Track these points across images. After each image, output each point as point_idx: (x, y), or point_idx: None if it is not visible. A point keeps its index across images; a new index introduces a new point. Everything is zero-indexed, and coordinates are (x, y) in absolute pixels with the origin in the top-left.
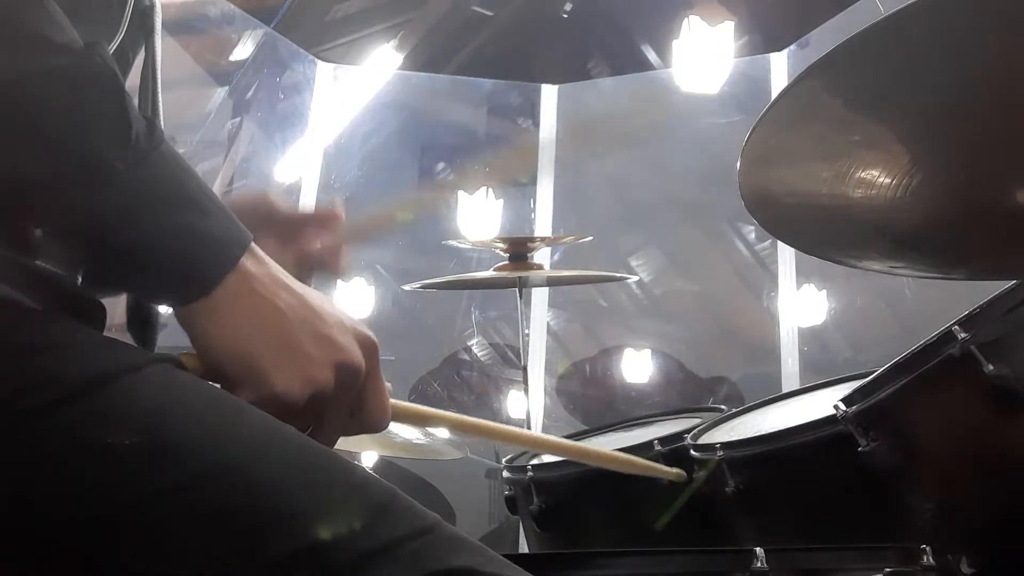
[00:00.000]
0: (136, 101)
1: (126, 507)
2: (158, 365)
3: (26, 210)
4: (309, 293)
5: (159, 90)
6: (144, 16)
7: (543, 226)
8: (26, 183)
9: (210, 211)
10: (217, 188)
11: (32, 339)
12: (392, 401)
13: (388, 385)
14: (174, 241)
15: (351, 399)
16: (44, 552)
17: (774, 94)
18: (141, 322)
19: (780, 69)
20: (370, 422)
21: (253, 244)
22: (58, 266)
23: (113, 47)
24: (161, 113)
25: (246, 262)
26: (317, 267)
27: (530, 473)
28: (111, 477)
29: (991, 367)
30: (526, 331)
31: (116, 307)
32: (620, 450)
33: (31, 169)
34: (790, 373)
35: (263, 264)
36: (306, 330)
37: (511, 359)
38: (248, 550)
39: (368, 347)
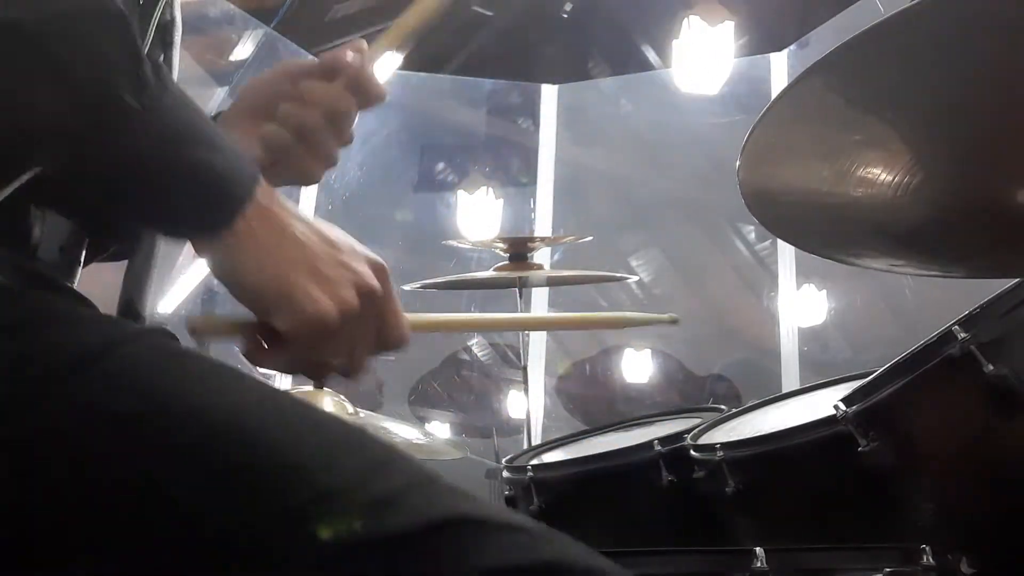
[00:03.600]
0: None
1: (137, 471)
2: (155, 336)
3: (50, 154)
4: (318, 222)
5: None
6: (165, 30)
7: (543, 226)
8: (49, 126)
9: (222, 147)
10: None
11: (33, 313)
12: (409, 316)
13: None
14: (192, 176)
15: (374, 319)
16: (58, 521)
17: (774, 94)
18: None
19: (780, 69)
20: (393, 338)
21: (262, 178)
22: (55, 267)
23: None
24: None
25: (260, 195)
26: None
27: (530, 473)
28: (119, 443)
29: (991, 367)
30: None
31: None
32: (620, 450)
33: (53, 112)
34: (790, 373)
35: (275, 196)
36: (325, 255)
37: (511, 359)
38: (261, 503)
39: (379, 269)
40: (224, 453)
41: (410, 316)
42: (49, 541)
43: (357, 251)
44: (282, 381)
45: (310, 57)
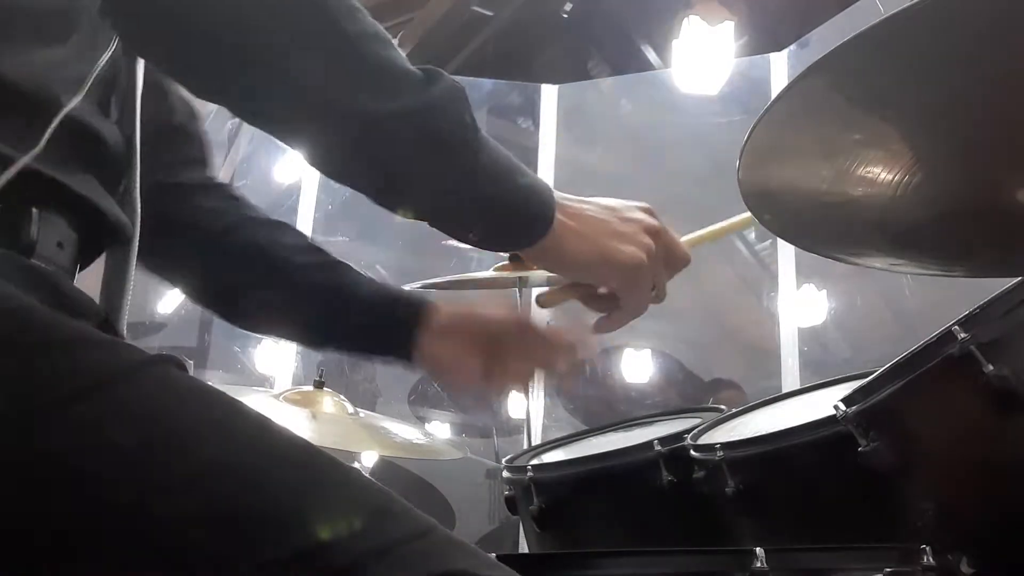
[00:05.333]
0: (120, 118)
1: (127, 505)
2: (160, 366)
3: (419, 197)
4: (594, 200)
5: (137, 111)
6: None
7: None
8: (423, 178)
9: (526, 171)
10: None
11: (37, 338)
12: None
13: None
14: (528, 188)
15: (663, 251)
16: (45, 548)
17: (774, 94)
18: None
19: (780, 69)
20: (680, 260)
21: None
22: (54, 263)
23: (100, 65)
24: (138, 131)
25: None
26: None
27: (530, 473)
28: (112, 475)
29: (991, 367)
30: None
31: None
32: (620, 450)
33: (429, 169)
34: (790, 373)
35: (563, 195)
36: (616, 219)
37: None
38: (246, 550)
39: (649, 211)
40: (213, 495)
41: (682, 238)
42: (36, 565)
43: (630, 205)
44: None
45: None
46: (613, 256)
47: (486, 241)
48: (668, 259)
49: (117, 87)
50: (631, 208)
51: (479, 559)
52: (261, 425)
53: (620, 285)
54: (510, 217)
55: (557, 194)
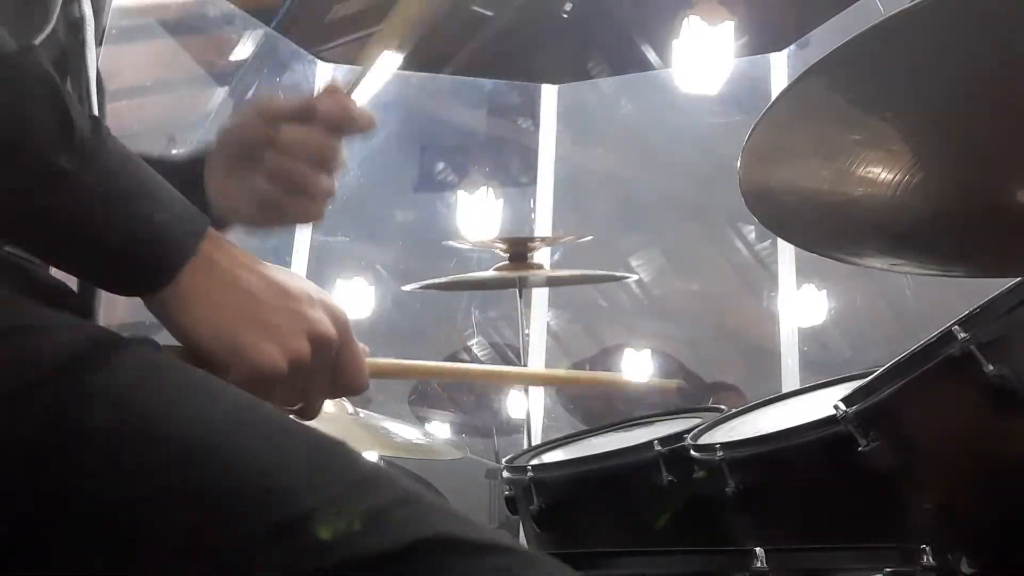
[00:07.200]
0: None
1: (104, 487)
2: (135, 347)
3: None
4: (274, 270)
5: (93, 101)
6: (76, 29)
7: (543, 226)
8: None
9: (163, 200)
10: None
11: (10, 320)
12: (369, 360)
13: (364, 347)
14: (131, 233)
15: (328, 367)
16: (22, 534)
17: (774, 94)
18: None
19: (780, 69)
20: (350, 384)
21: (211, 229)
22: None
23: (39, 41)
24: (96, 110)
25: (206, 247)
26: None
27: (530, 473)
28: (88, 458)
29: (991, 367)
30: (526, 331)
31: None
32: (620, 450)
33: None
34: (790, 373)
35: (223, 247)
36: (276, 306)
37: (511, 359)
38: (230, 526)
39: (338, 317)
40: (193, 473)
41: (372, 361)
42: (12, 547)
43: (314, 298)
44: None
45: (310, 58)
46: (244, 349)
47: (82, 273)
48: (335, 378)
49: (67, 70)
50: (312, 302)
51: (469, 524)
52: (242, 403)
53: (244, 385)
54: (117, 248)
55: (216, 246)
